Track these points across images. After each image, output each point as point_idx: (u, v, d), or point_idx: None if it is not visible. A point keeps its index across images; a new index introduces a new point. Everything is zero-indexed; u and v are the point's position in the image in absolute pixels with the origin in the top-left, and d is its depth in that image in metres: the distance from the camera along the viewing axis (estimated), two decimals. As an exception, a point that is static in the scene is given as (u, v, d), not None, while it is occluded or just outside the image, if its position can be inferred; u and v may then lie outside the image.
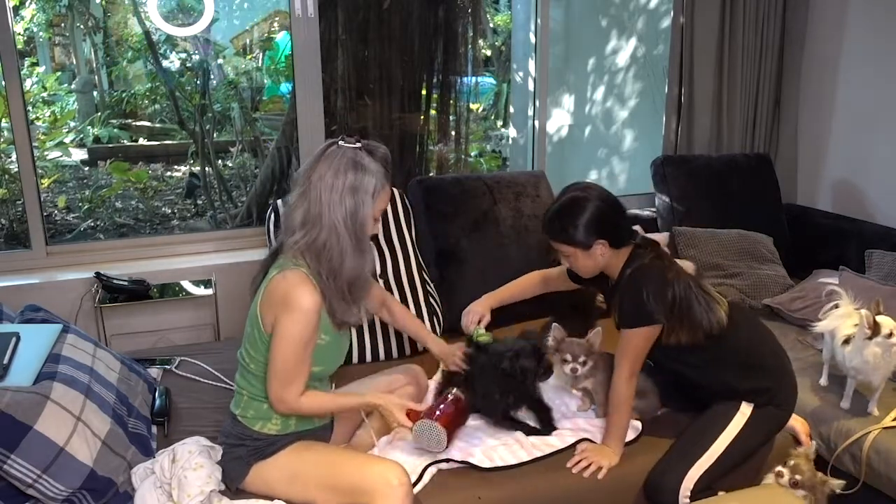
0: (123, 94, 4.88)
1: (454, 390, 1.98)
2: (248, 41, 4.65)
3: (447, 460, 1.88)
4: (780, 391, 2.01)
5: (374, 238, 2.73)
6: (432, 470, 1.86)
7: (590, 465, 1.91)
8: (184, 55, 4.55)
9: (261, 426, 1.78)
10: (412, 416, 1.84)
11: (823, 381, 2.39)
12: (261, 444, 1.78)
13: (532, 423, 2.06)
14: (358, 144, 1.73)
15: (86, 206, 4.64)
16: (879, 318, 2.10)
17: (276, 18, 4.58)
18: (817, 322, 2.35)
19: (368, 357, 2.49)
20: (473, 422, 2.07)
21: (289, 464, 1.76)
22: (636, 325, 1.90)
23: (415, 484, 1.79)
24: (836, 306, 2.30)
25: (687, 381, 2.07)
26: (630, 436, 2.02)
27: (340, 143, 1.73)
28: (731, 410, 1.97)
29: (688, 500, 1.86)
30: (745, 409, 1.96)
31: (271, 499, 1.75)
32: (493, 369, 1.99)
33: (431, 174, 4.28)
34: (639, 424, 2.08)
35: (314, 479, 1.73)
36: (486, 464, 1.90)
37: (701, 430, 1.97)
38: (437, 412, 1.87)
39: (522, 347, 2.01)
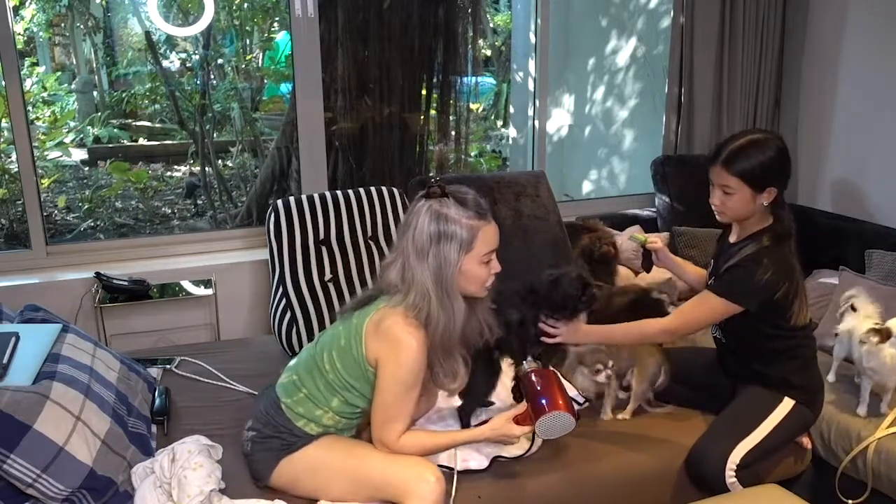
0: (123, 94, 4.89)
1: (526, 369, 1.83)
2: (248, 41, 4.65)
3: (448, 468, 1.86)
4: (817, 397, 2.08)
5: (374, 238, 2.74)
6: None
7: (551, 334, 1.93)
8: (184, 55, 4.55)
9: (303, 424, 1.77)
10: (521, 420, 1.76)
11: (831, 377, 2.40)
12: (295, 440, 1.78)
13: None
14: (442, 194, 1.67)
15: (86, 206, 4.64)
16: (890, 322, 2.13)
17: (276, 18, 4.59)
18: (836, 326, 2.39)
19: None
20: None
21: (317, 455, 1.76)
22: (729, 297, 1.91)
23: None
24: (854, 308, 2.31)
25: (746, 358, 2.07)
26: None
27: (426, 196, 1.68)
28: (776, 400, 2.01)
29: (733, 473, 1.89)
30: (787, 403, 2.01)
31: (272, 498, 1.75)
32: (529, 293, 1.91)
33: (431, 174, 4.28)
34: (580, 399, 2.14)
35: (344, 471, 1.73)
36: (484, 464, 1.89)
37: (746, 412, 2.02)
38: (543, 402, 1.73)
39: (565, 272, 1.92)
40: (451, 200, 1.66)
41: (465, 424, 1.99)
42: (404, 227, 1.70)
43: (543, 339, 1.94)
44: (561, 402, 1.73)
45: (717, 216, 2.01)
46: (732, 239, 2.06)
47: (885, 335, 2.12)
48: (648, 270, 2.30)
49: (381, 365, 1.68)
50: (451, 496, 1.77)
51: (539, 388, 1.76)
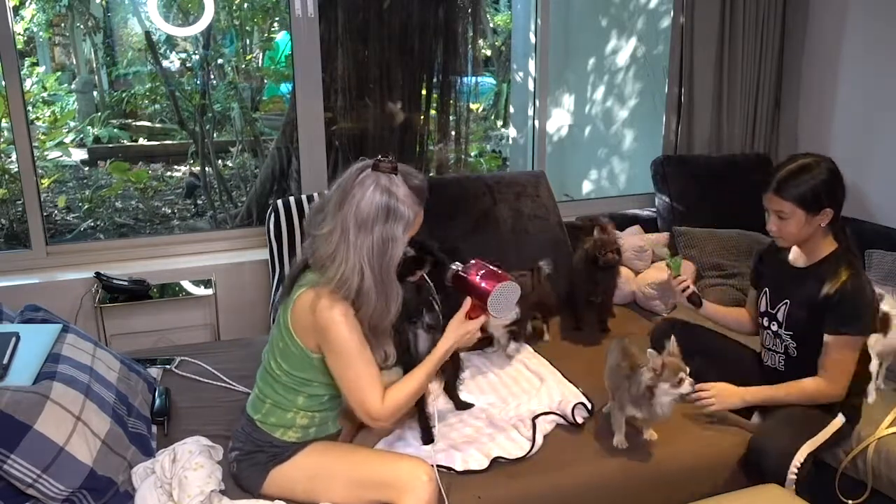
0: (123, 94, 4.89)
1: (454, 269, 1.80)
2: (248, 41, 4.65)
3: (448, 468, 1.86)
4: (856, 416, 2.10)
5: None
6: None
7: (707, 400, 1.95)
8: (184, 55, 4.55)
9: (281, 433, 1.77)
10: (473, 313, 1.76)
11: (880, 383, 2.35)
12: (279, 450, 1.77)
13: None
14: (393, 170, 1.62)
15: (86, 206, 4.65)
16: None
17: (276, 18, 4.59)
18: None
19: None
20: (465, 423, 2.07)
21: (310, 463, 1.76)
22: (862, 333, 1.95)
23: None
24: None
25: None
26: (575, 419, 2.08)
27: (374, 167, 1.61)
28: (832, 415, 2.03)
29: (796, 471, 1.88)
30: (840, 419, 2.03)
31: (272, 499, 1.75)
32: None
33: (431, 174, 4.28)
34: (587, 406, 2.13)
35: (339, 476, 1.73)
36: (484, 464, 1.89)
37: (812, 416, 2.01)
38: (483, 285, 1.73)
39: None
40: (399, 179, 1.62)
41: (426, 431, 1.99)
42: (343, 194, 1.60)
43: (700, 402, 1.98)
44: (501, 275, 1.75)
45: (776, 242, 2.05)
46: (800, 263, 2.06)
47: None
48: (699, 305, 2.27)
49: (325, 353, 1.67)
50: (445, 495, 1.77)
51: (473, 276, 1.76)
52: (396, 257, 1.64)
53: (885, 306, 2.27)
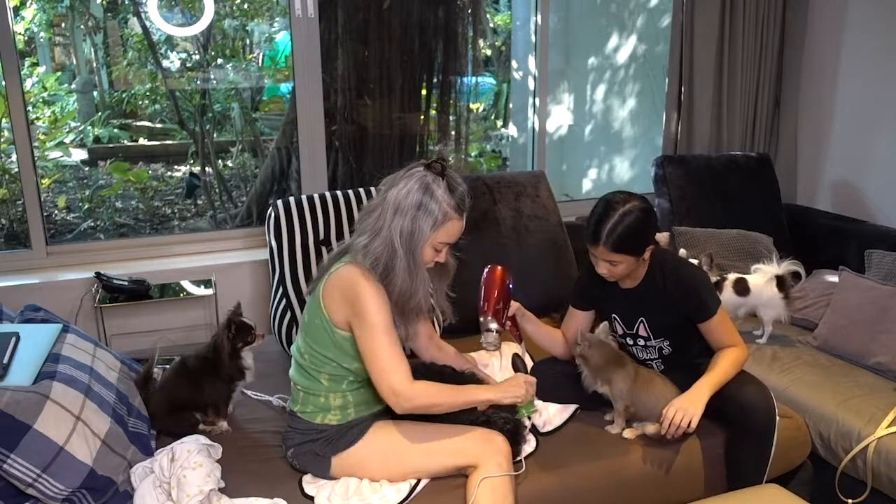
0: (124, 95, 4.88)
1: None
2: (248, 41, 4.65)
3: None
4: None
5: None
6: (425, 480, 1.84)
7: (682, 419, 1.87)
8: (184, 55, 4.55)
9: (321, 418, 1.83)
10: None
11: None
12: (328, 434, 1.82)
13: None
14: (440, 173, 1.76)
15: (86, 206, 4.64)
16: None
17: (276, 18, 4.59)
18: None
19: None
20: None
21: (377, 444, 1.81)
22: (719, 302, 2.04)
23: (409, 495, 1.78)
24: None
25: (693, 359, 2.11)
26: (563, 417, 2.11)
27: (426, 166, 1.77)
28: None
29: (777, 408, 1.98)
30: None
31: (271, 496, 1.75)
32: None
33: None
34: (572, 407, 2.15)
35: (413, 448, 1.79)
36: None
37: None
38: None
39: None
40: (444, 182, 1.76)
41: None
42: (394, 181, 1.77)
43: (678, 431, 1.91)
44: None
45: (606, 279, 2.06)
46: (629, 285, 2.10)
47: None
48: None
49: (354, 325, 1.73)
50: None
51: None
52: (422, 246, 1.75)
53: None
